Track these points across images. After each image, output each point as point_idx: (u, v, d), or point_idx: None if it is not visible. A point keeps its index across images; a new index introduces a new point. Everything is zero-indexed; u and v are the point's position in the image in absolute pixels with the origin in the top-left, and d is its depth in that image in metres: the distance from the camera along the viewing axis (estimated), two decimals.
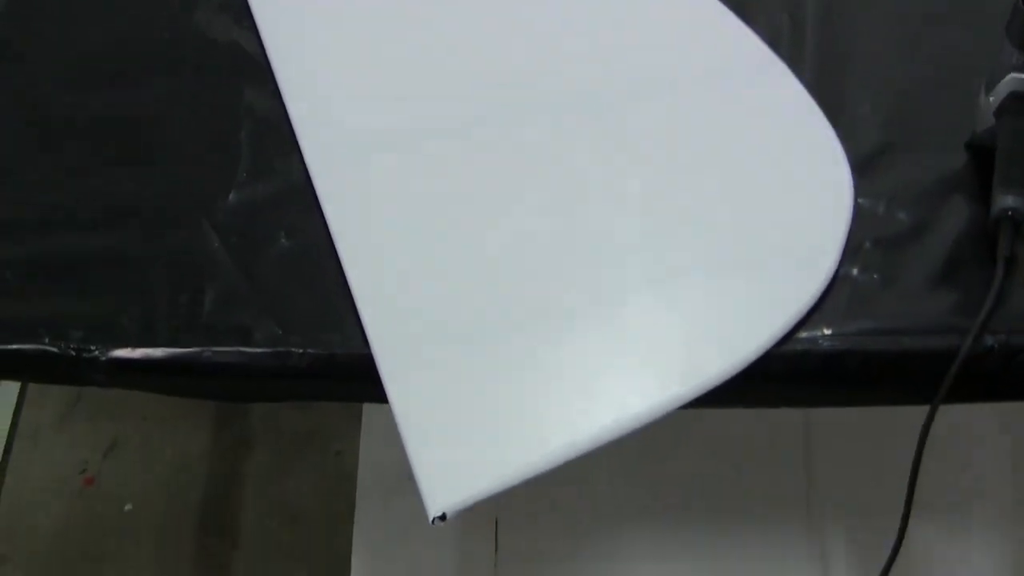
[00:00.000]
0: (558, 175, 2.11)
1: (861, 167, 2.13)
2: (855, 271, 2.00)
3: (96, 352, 1.93)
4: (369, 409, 2.62)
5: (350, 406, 2.83)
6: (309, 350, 1.93)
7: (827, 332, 1.94)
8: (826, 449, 2.55)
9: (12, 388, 2.76)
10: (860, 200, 2.08)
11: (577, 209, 2.06)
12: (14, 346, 1.93)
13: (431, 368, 1.86)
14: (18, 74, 2.30)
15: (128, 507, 2.85)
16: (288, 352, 1.93)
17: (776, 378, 1.92)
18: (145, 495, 2.86)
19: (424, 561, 2.44)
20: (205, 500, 2.84)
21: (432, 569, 2.43)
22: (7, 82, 2.28)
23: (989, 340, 1.91)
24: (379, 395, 1.90)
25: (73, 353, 1.93)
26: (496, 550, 2.45)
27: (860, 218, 2.06)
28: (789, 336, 1.93)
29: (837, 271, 1.99)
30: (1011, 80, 1.98)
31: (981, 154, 2.09)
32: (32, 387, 2.78)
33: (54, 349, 1.93)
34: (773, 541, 2.43)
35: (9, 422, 2.70)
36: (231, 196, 2.11)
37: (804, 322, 1.94)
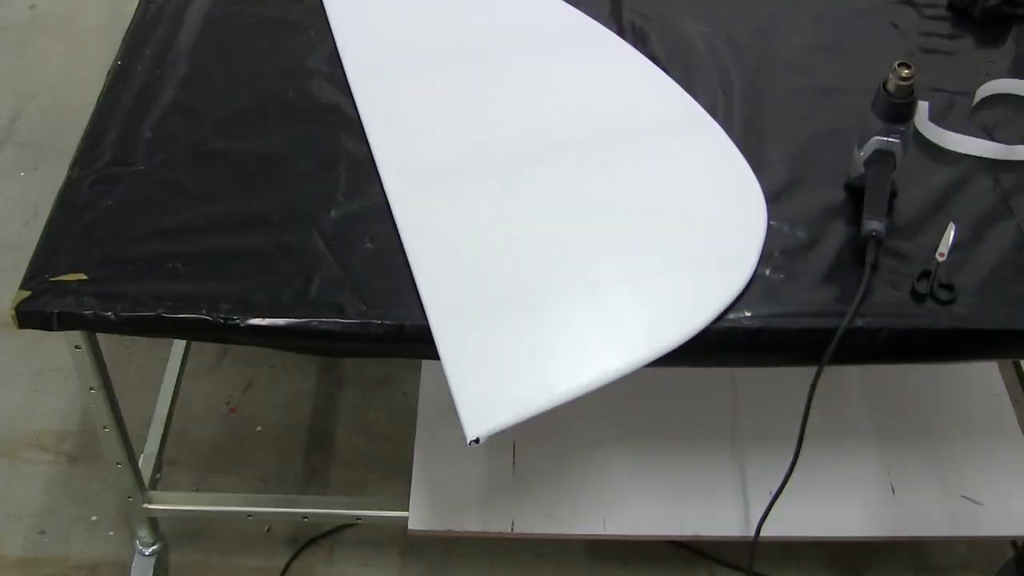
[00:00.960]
0: (557, 198, 2.12)
1: (773, 198, 2.13)
2: (767, 271, 2.01)
3: (238, 320, 1.95)
4: (427, 363, 2.63)
5: (413, 360, 2.84)
6: (385, 321, 1.95)
7: (748, 314, 1.94)
8: (747, 396, 2.55)
9: (180, 344, 2.78)
10: (772, 222, 2.09)
11: (572, 224, 2.06)
12: (182, 315, 1.96)
13: (470, 334, 1.88)
14: (191, 123, 2.30)
15: (259, 428, 2.86)
16: (370, 323, 1.95)
17: (712, 346, 1.93)
18: (270, 420, 2.87)
19: (463, 470, 2.45)
20: (311, 425, 2.86)
21: (469, 476, 2.44)
22: (184, 128, 2.29)
23: (859, 321, 1.92)
24: (433, 354, 1.92)
25: (222, 320, 1.95)
26: (513, 464, 2.46)
27: (771, 234, 2.07)
28: (721, 316, 1.94)
29: (755, 271, 2.00)
30: (875, 141, 2.02)
31: (855, 192, 2.10)
32: (194, 343, 2.80)
33: (209, 318, 1.95)
34: (706, 460, 2.43)
35: (178, 367, 2.72)
36: (332, 212, 2.12)
37: (732, 307, 1.95)
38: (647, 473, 2.43)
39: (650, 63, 2.42)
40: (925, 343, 1.94)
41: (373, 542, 2.70)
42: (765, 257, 2.02)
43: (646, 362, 1.89)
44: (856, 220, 2.03)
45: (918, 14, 2.57)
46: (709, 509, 2.39)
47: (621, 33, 2.50)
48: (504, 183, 2.16)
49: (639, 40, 2.49)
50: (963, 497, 2.36)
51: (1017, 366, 2.73)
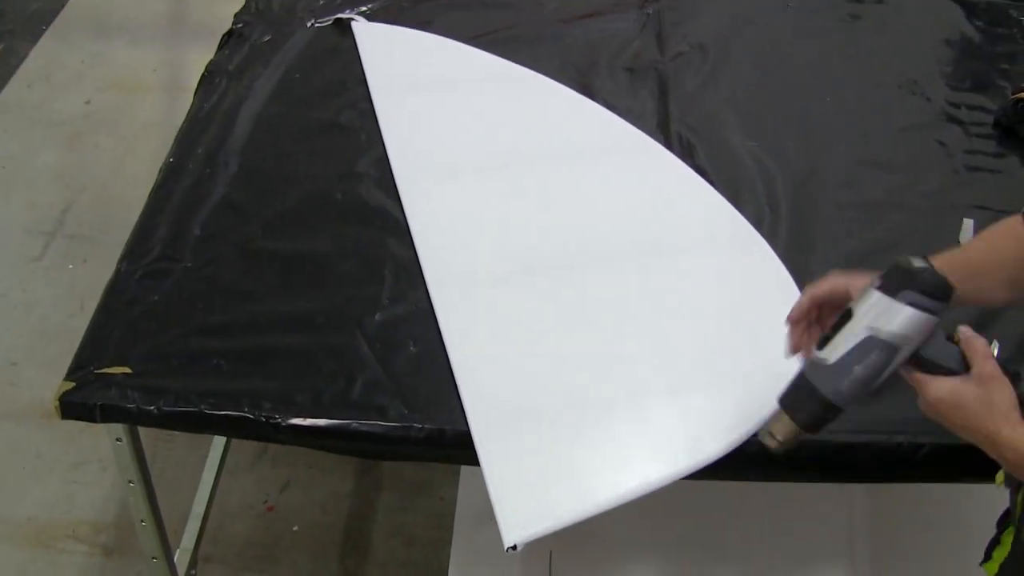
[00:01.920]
0: (601, 308, 2.13)
1: None
2: None
3: (279, 419, 1.95)
4: (465, 468, 2.62)
5: (452, 465, 2.83)
6: (426, 425, 1.95)
7: None
8: (787, 511, 2.51)
9: (221, 440, 2.78)
10: None
11: (615, 334, 2.06)
12: (223, 412, 1.96)
13: (510, 440, 1.87)
14: (239, 221, 2.33)
15: (295, 528, 2.86)
16: (411, 426, 1.95)
17: (753, 459, 1.91)
18: (307, 520, 2.86)
19: None
20: (348, 527, 2.85)
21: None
22: (232, 228, 2.31)
23: (898, 437, 1.90)
24: (473, 460, 1.92)
25: (264, 419, 1.95)
26: (550, 572, 2.44)
27: None
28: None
29: None
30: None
31: None
32: (234, 440, 2.81)
33: (250, 415, 1.95)
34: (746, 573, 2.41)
35: (218, 463, 2.72)
36: (377, 315, 2.13)
37: None
38: None
39: (697, 176, 2.43)
40: (964, 457, 1.91)
41: None
42: None
43: (686, 473, 1.88)
44: None
45: (964, 132, 2.58)
46: None
47: (668, 145, 2.52)
48: (548, 292, 2.16)
49: (686, 153, 2.50)
50: None
51: None
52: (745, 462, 1.91)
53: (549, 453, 1.88)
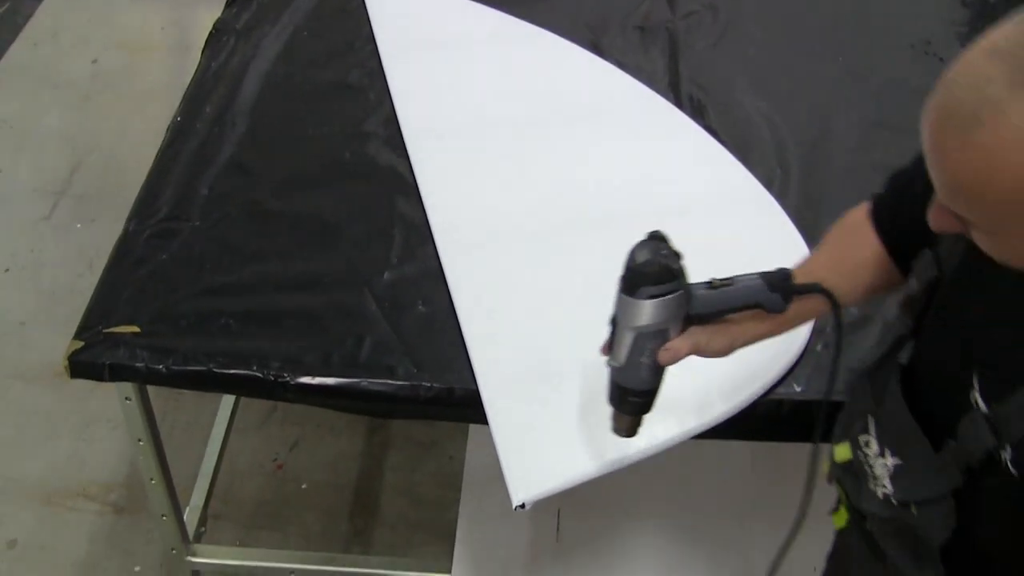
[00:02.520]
0: (610, 268, 2.12)
1: None
2: (819, 347, 1.99)
3: (288, 378, 1.96)
4: (474, 427, 2.62)
5: (461, 425, 2.84)
6: (435, 384, 1.95)
7: (798, 389, 1.93)
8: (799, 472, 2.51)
9: (230, 399, 2.78)
10: None
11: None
12: (232, 371, 1.97)
13: (519, 400, 1.87)
14: (247, 181, 2.33)
15: (304, 487, 2.86)
16: (420, 385, 1.95)
17: (761, 419, 1.91)
18: (316, 479, 2.86)
19: (508, 536, 2.43)
20: (357, 486, 2.85)
21: (513, 541, 2.42)
22: (240, 188, 2.31)
23: None
24: (481, 418, 1.92)
25: (272, 378, 1.96)
26: (557, 531, 2.44)
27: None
28: (771, 390, 1.92)
29: (807, 346, 1.99)
30: None
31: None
32: (243, 399, 2.81)
33: (259, 374, 1.96)
34: (757, 537, 2.41)
35: (227, 422, 2.72)
36: (386, 274, 2.13)
37: (781, 381, 1.94)
38: (692, 547, 2.41)
39: (707, 135, 2.42)
40: None
41: None
42: (817, 332, 2.01)
43: (695, 433, 1.88)
44: None
45: None
46: None
47: (679, 105, 2.51)
48: (558, 251, 2.16)
49: (697, 112, 2.49)
50: None
51: None
52: (754, 422, 1.91)
53: (557, 413, 1.88)
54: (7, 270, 3.47)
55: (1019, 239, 1.10)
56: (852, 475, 1.52)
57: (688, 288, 1.48)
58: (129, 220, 2.24)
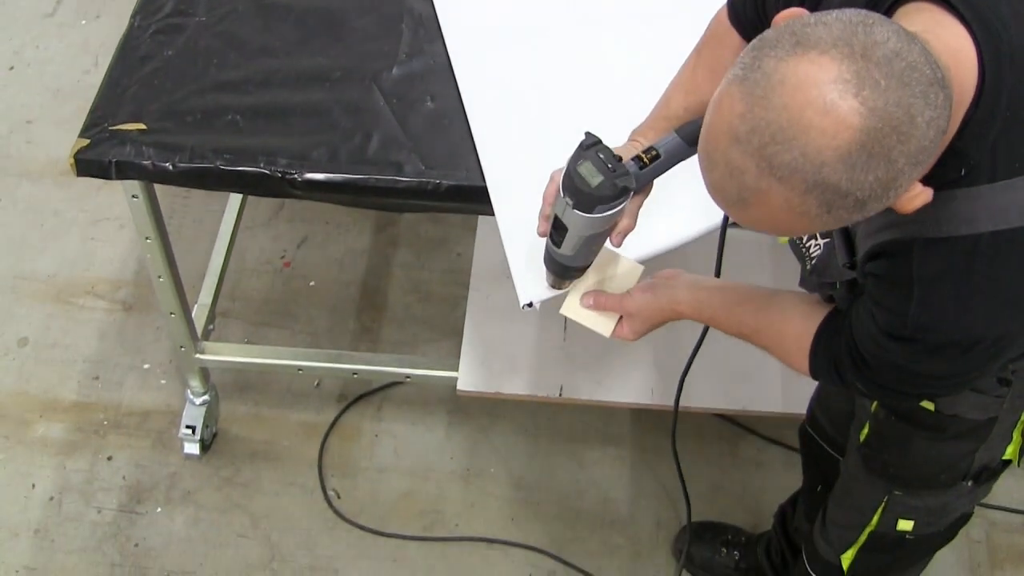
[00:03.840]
0: (621, 63, 2.10)
1: None
2: None
3: (295, 174, 1.95)
4: (481, 224, 2.63)
5: (468, 220, 2.84)
6: (443, 180, 1.95)
7: None
8: None
9: (237, 197, 2.77)
10: None
11: (635, 87, 2.03)
12: (240, 167, 1.96)
13: (528, 197, 1.84)
14: None
15: (312, 284, 2.87)
16: (428, 181, 1.95)
17: None
18: (324, 276, 2.87)
19: (514, 334, 2.45)
20: (364, 283, 2.85)
21: (520, 340, 2.44)
22: None
23: None
24: (489, 212, 1.94)
25: (279, 174, 1.95)
26: (564, 331, 2.46)
27: None
28: None
29: None
30: None
31: None
32: (251, 198, 2.79)
33: (267, 171, 1.95)
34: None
35: (234, 220, 2.71)
36: (394, 70, 2.11)
37: None
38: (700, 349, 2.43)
39: None
40: None
41: (421, 401, 2.72)
42: None
43: (702, 233, 1.88)
44: None
45: None
46: (759, 386, 2.39)
47: None
48: (567, 47, 2.13)
49: None
50: None
51: None
52: None
53: None
54: (12, 68, 3.43)
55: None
56: None
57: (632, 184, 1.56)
58: (134, 16, 2.20)
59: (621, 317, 1.74)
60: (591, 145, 1.55)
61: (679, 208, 1.86)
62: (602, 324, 1.74)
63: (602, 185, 1.51)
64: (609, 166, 1.52)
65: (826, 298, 1.55)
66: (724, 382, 2.39)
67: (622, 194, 1.53)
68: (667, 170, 1.60)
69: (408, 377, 2.51)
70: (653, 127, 1.70)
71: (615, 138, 1.65)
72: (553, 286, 1.76)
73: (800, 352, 1.53)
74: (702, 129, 1.18)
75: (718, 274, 1.78)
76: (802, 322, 1.53)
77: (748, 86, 1.11)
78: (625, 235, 1.66)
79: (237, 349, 2.63)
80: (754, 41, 1.15)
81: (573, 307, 1.76)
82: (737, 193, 1.15)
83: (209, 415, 2.62)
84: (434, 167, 1.95)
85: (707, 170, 1.18)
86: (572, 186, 1.53)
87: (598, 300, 1.73)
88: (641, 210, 1.66)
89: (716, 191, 1.19)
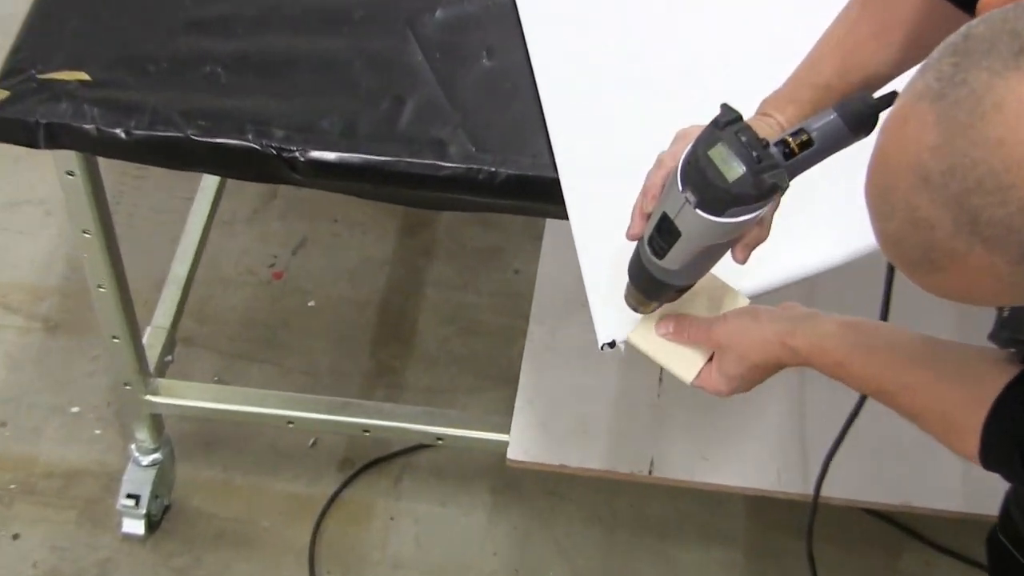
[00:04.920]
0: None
1: None
2: None
3: (296, 152, 1.95)
4: (549, 231, 2.63)
5: (532, 227, 2.84)
6: (500, 169, 1.94)
7: None
8: None
9: (212, 181, 2.77)
10: None
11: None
12: (219, 140, 1.96)
13: (614, 195, 1.84)
14: None
15: (311, 304, 2.87)
16: (479, 169, 1.95)
17: None
18: (328, 293, 2.88)
19: (589, 385, 2.44)
20: (385, 305, 2.86)
21: (595, 393, 2.44)
22: None
23: None
24: (562, 214, 1.92)
25: (274, 151, 1.95)
26: (660, 384, 2.46)
27: None
28: None
29: None
30: None
31: None
32: (231, 182, 2.79)
33: (256, 146, 1.95)
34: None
35: (207, 213, 2.71)
36: (438, 12, 2.11)
37: None
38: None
39: None
40: None
41: (457, 472, 2.73)
42: None
43: (850, 258, 1.88)
44: None
45: None
46: (931, 473, 2.37)
47: None
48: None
49: None
50: None
51: None
52: None
53: None
54: None
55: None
56: None
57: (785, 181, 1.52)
58: None
59: (712, 357, 1.73)
60: (730, 122, 1.50)
61: (819, 218, 1.87)
62: (683, 362, 1.73)
63: (743, 180, 1.48)
64: (754, 154, 1.48)
65: (1020, 359, 1.53)
66: (881, 465, 2.38)
67: (769, 193, 1.50)
68: (820, 161, 1.56)
69: (440, 439, 2.52)
70: (794, 98, 1.66)
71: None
72: (633, 307, 1.74)
73: (967, 428, 1.48)
74: (873, 157, 1.14)
75: (884, 318, 1.76)
76: (976, 386, 1.48)
77: (947, 107, 1.05)
78: (753, 248, 1.64)
79: (204, 390, 2.64)
80: (953, 38, 1.09)
81: (645, 335, 1.75)
82: (922, 253, 1.11)
83: (160, 481, 2.63)
84: (488, 149, 1.96)
85: (879, 216, 1.14)
86: (699, 177, 1.50)
87: (680, 325, 1.73)
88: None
89: (890, 245, 1.15)
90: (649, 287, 1.67)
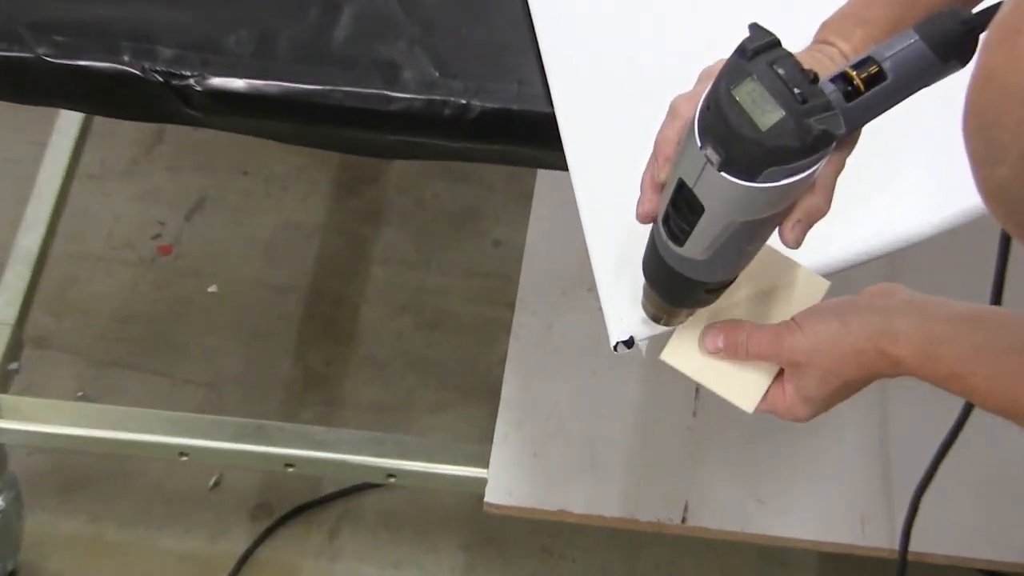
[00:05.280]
0: None
1: None
2: None
3: (190, 79, 1.96)
4: (542, 188, 2.63)
5: (517, 182, 2.85)
6: (474, 101, 1.96)
7: None
8: None
9: (74, 119, 2.75)
10: None
11: None
12: (83, 62, 1.97)
13: (629, 148, 1.82)
14: None
15: (212, 288, 2.86)
16: (446, 100, 1.96)
17: None
18: (236, 276, 2.86)
19: (592, 398, 2.44)
20: (315, 291, 2.85)
21: (603, 410, 2.43)
22: None
23: None
24: (561, 165, 1.91)
25: (160, 77, 1.96)
26: (695, 412, 2.46)
27: None
28: None
29: None
30: None
31: None
32: (99, 121, 2.77)
33: (135, 71, 1.96)
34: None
35: (66, 162, 2.69)
36: None
37: None
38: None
39: None
40: None
41: (417, 520, 2.74)
42: None
43: (946, 227, 1.90)
44: None
45: None
46: None
47: None
48: None
49: None
50: None
51: None
52: None
53: None
54: None
55: None
56: None
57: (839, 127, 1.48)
58: None
59: (780, 373, 1.73)
60: (762, 50, 1.46)
61: (903, 176, 1.89)
62: (741, 385, 1.73)
63: (781, 127, 1.43)
64: (796, 91, 1.43)
65: None
66: (985, 514, 2.41)
67: (819, 146, 1.45)
68: (900, 101, 1.53)
69: (392, 476, 2.53)
70: (865, 18, 1.64)
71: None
72: (655, 317, 1.75)
73: None
74: (973, 83, 1.12)
75: (997, 301, 1.77)
76: None
77: None
78: (811, 224, 1.58)
79: (63, 410, 2.64)
80: None
81: (685, 353, 1.75)
82: None
83: (2, 537, 2.65)
84: (456, 75, 1.97)
85: (984, 160, 1.13)
86: (721, 127, 1.45)
87: (733, 338, 1.72)
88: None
89: (1000, 200, 1.15)
90: (672, 288, 1.67)
